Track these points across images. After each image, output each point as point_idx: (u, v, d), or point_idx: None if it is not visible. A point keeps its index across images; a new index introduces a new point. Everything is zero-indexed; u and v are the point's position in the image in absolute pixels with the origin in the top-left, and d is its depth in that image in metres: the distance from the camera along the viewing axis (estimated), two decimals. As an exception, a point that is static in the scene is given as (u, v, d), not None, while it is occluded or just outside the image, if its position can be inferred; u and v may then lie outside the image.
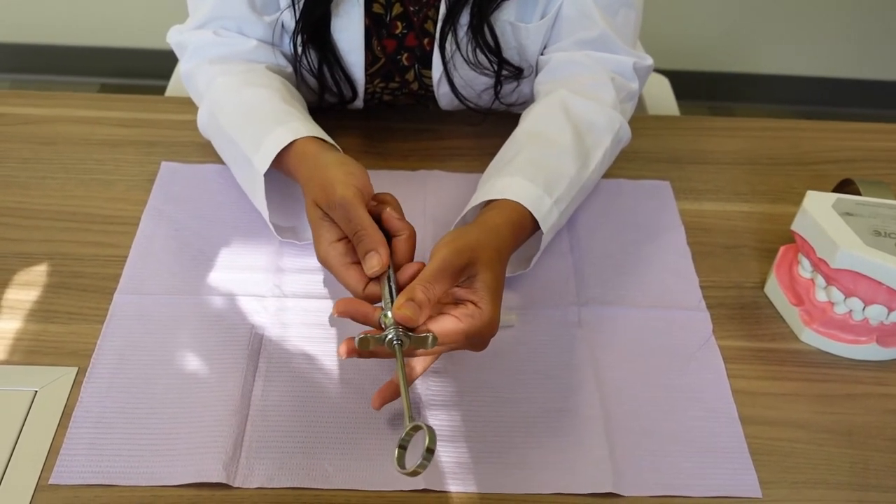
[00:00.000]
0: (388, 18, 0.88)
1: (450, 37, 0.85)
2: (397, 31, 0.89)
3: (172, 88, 1.19)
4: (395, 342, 0.60)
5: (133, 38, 2.27)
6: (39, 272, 0.78)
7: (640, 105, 1.21)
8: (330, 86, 0.90)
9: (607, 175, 0.88)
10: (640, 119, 1.00)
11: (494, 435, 0.67)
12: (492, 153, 0.81)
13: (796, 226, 0.76)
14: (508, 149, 0.80)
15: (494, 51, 0.86)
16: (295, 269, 0.79)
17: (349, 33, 0.86)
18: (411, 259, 0.68)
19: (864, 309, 0.73)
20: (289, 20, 0.86)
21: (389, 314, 0.61)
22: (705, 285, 0.80)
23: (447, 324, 0.62)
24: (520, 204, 0.72)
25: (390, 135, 0.96)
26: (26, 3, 2.22)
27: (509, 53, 0.88)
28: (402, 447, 0.58)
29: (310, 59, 0.87)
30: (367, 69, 0.90)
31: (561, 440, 0.67)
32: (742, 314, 0.78)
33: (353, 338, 0.61)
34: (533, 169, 0.75)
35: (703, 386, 0.71)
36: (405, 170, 0.91)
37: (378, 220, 0.68)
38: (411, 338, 0.60)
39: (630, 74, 0.87)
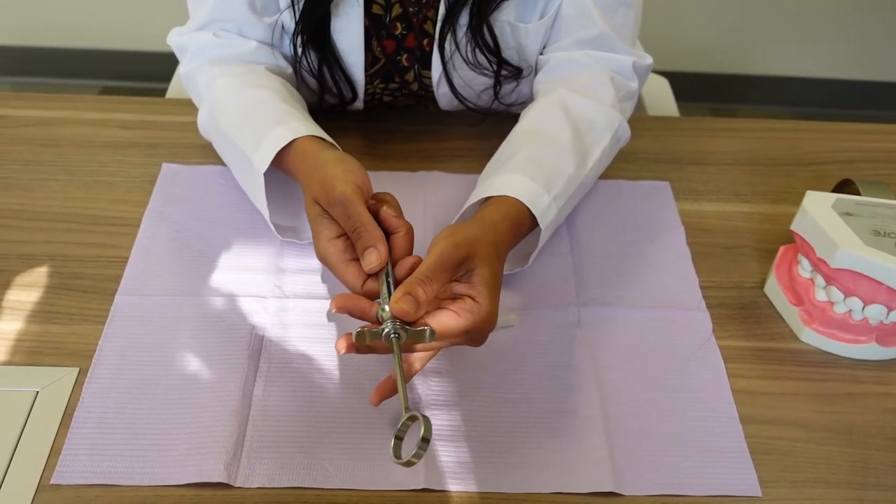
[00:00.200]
0: (387, 19, 0.88)
1: (449, 37, 0.86)
2: (397, 32, 0.89)
3: (173, 90, 1.19)
4: (392, 335, 0.60)
5: (133, 41, 2.27)
6: (41, 273, 0.78)
7: (640, 106, 1.21)
8: (330, 87, 0.90)
9: (607, 176, 0.89)
10: (640, 120, 1.00)
11: (495, 435, 0.67)
12: (491, 154, 0.81)
13: (796, 226, 0.76)
14: (507, 147, 0.80)
15: (494, 51, 0.87)
16: (295, 270, 0.79)
17: (349, 34, 0.86)
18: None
19: (863, 308, 0.73)
20: (288, 21, 0.86)
21: (387, 308, 0.61)
22: (705, 285, 0.80)
23: (445, 318, 0.62)
24: (518, 200, 0.72)
25: (390, 136, 0.96)
26: (27, 6, 2.22)
27: (508, 53, 0.88)
28: (399, 437, 0.58)
29: (310, 60, 0.88)
30: (366, 70, 0.90)
31: (561, 440, 0.67)
32: (742, 314, 0.79)
33: (351, 333, 0.61)
34: (532, 166, 0.75)
35: (703, 386, 0.72)
36: (405, 171, 0.91)
37: (377, 218, 0.68)
38: (409, 331, 0.60)
39: (629, 73, 0.87)
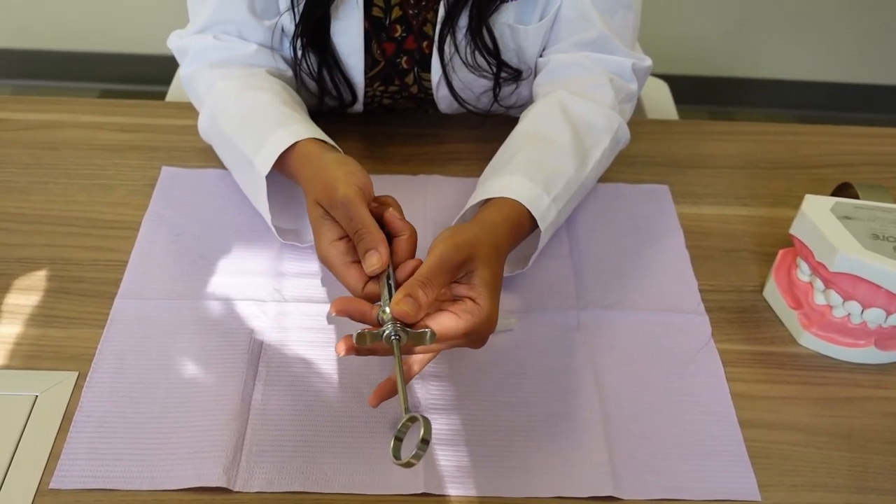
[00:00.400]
0: (387, 22, 0.88)
1: (448, 39, 0.86)
2: (396, 35, 0.89)
3: (173, 94, 1.19)
4: (392, 337, 0.60)
5: (133, 44, 2.27)
6: (40, 277, 0.78)
7: (639, 109, 1.21)
8: (330, 89, 0.90)
9: (606, 179, 0.89)
10: (639, 123, 1.00)
11: (494, 438, 0.67)
12: (491, 157, 0.81)
13: (795, 229, 0.77)
14: (507, 149, 0.80)
15: (493, 53, 0.87)
16: (295, 274, 0.79)
17: (348, 36, 0.86)
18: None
19: (862, 312, 0.73)
20: (288, 24, 0.86)
21: (388, 310, 0.61)
22: (704, 289, 0.80)
23: (446, 320, 0.62)
24: (518, 202, 0.72)
25: (390, 139, 0.96)
26: (27, 9, 2.22)
27: (508, 55, 0.88)
28: (398, 438, 0.58)
29: (309, 63, 0.88)
30: (366, 72, 0.90)
31: (560, 444, 0.67)
32: (741, 318, 0.79)
33: (351, 335, 0.61)
34: (531, 168, 0.75)
35: (703, 389, 0.72)
36: (405, 174, 0.91)
37: (380, 220, 0.68)
38: (409, 333, 0.60)
39: (629, 75, 0.87)
